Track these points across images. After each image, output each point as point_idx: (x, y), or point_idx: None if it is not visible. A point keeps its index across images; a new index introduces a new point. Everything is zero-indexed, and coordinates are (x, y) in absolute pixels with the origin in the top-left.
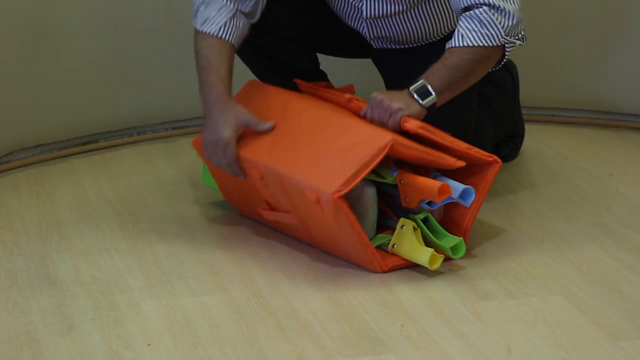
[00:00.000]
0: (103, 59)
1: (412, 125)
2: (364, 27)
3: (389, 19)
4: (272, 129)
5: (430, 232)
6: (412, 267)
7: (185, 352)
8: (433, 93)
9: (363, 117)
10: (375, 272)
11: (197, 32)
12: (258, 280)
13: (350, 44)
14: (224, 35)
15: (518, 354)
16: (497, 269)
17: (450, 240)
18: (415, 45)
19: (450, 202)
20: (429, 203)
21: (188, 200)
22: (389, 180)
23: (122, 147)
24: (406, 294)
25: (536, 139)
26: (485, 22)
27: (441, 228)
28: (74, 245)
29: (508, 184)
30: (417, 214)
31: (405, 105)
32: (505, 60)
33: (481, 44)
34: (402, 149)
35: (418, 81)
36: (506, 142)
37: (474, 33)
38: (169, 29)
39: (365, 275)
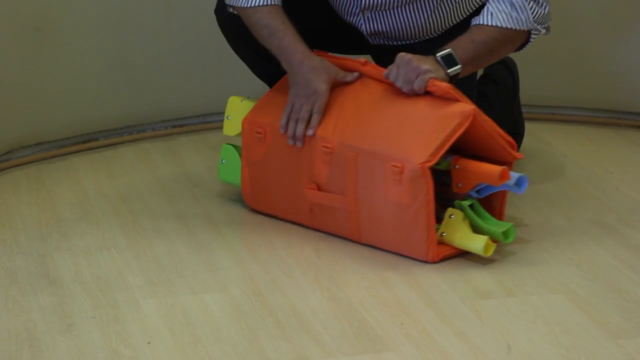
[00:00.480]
0: (103, 57)
1: (442, 85)
2: (361, 22)
3: (389, 12)
4: (357, 79)
5: (479, 218)
6: (411, 264)
7: (185, 350)
8: (459, 63)
9: (386, 78)
10: (426, 261)
11: (244, 10)
12: (258, 279)
13: (346, 39)
14: (272, 1)
15: (518, 352)
16: (497, 267)
17: (501, 225)
18: (412, 42)
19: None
20: (478, 191)
21: (188, 199)
22: (442, 166)
23: (122, 145)
24: (406, 292)
25: (536, 138)
26: (517, 5)
27: (488, 214)
28: (73, 244)
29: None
30: (462, 200)
31: (434, 68)
32: (528, 44)
33: (509, 26)
34: (479, 122)
35: (445, 49)
36: None
37: (503, 14)
38: (169, 27)
39: (365, 273)
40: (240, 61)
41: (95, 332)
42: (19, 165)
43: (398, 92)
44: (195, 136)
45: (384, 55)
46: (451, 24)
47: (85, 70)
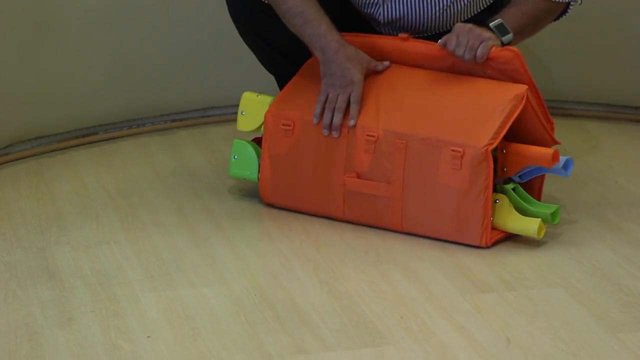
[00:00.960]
0: (103, 51)
1: (506, 52)
2: (380, 11)
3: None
4: (387, 67)
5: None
6: (411, 259)
7: (185, 344)
8: (511, 32)
9: (443, 46)
10: (479, 245)
11: None
12: (257, 273)
13: (356, 29)
14: None
15: (517, 346)
16: (496, 261)
17: (548, 207)
18: (427, 35)
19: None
20: (520, 176)
21: (187, 193)
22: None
23: (121, 139)
24: (405, 286)
25: None
26: None
27: (531, 197)
28: (73, 238)
29: None
30: (505, 184)
31: (493, 37)
32: (565, 15)
33: None
34: (531, 102)
35: (495, 19)
36: None
37: None
38: (169, 21)
39: (365, 267)
40: (241, 56)
41: (95, 326)
42: (19, 159)
43: (435, 78)
44: (195, 130)
45: None
46: (469, 16)
47: (84, 64)
